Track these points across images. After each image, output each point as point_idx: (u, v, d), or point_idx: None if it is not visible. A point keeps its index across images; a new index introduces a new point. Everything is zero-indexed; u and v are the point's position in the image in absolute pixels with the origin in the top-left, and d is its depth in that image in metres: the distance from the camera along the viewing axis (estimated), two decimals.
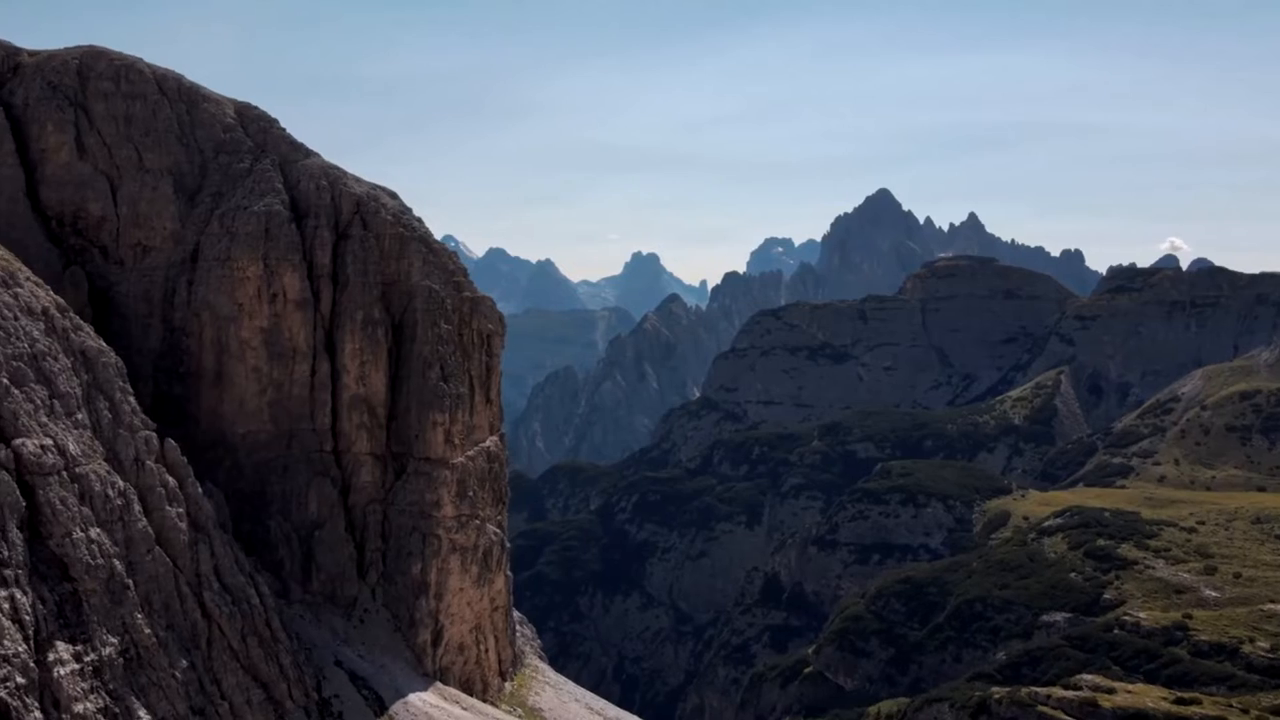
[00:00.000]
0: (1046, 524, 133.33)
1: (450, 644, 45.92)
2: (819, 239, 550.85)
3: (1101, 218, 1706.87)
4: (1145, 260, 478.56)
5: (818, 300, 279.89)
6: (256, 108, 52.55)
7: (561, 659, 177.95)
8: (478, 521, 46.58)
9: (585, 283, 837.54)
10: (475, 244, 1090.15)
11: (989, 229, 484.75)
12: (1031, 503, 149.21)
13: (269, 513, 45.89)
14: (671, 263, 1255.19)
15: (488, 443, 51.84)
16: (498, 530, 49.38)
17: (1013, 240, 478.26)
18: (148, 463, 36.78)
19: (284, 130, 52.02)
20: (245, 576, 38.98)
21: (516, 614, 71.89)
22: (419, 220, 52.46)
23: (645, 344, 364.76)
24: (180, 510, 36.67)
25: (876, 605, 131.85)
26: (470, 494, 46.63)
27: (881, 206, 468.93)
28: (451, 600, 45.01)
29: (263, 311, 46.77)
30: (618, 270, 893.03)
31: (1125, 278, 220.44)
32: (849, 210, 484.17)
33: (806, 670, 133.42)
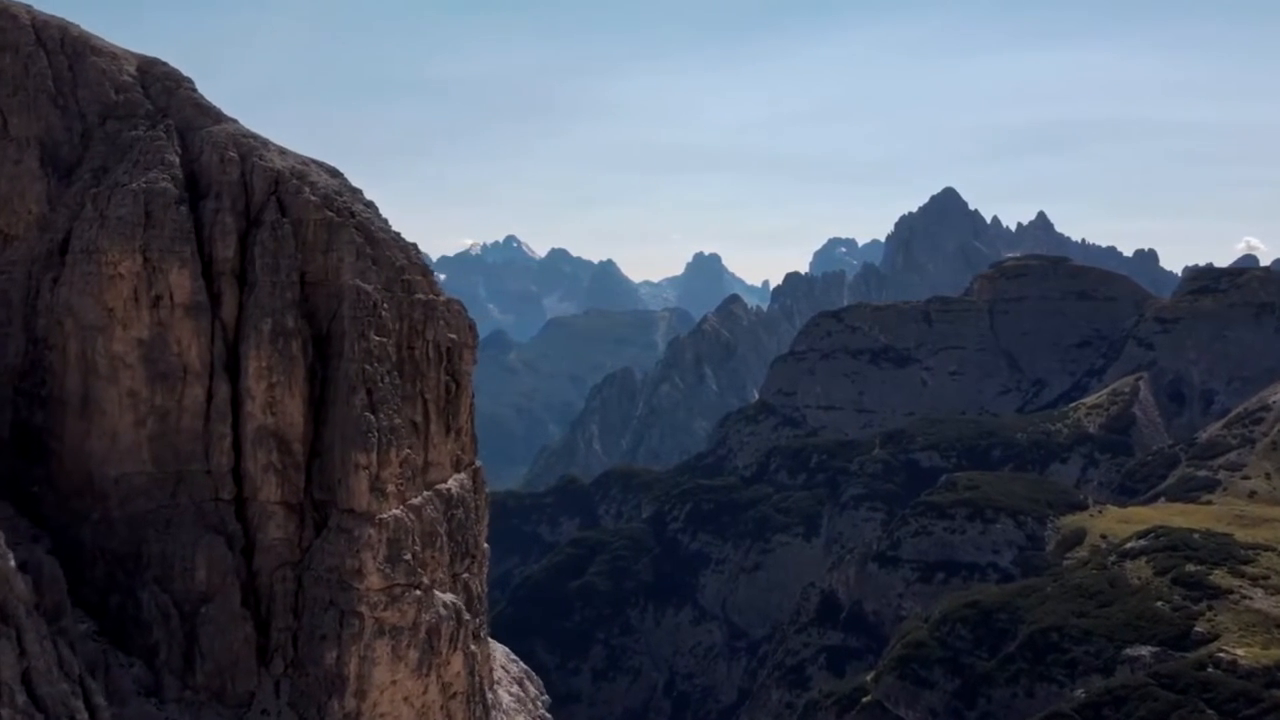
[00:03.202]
0: (1128, 545, 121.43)
1: None
2: (883, 239, 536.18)
3: (1172, 217, 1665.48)
4: (1221, 261, 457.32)
5: (881, 301, 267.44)
6: (165, 64, 41.04)
7: (611, 673, 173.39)
8: (418, 592, 34.66)
9: (647, 283, 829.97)
10: (538, 245, 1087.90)
11: (1058, 229, 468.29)
12: (1110, 519, 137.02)
13: (143, 581, 34.41)
14: (734, 263, 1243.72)
15: (449, 483, 39.99)
16: (453, 600, 37.51)
17: (1083, 240, 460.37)
18: None
19: (195, 91, 40.46)
20: (72, 682, 27.91)
21: (517, 667, 60.44)
22: (367, 205, 40.71)
23: (704, 345, 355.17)
24: None
25: (941, 631, 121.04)
26: (410, 556, 34.77)
27: (947, 205, 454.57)
28: (379, 697, 33.23)
29: (141, 319, 35.16)
30: (679, 271, 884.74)
31: (1209, 278, 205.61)
32: (913, 210, 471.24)
33: (865, 699, 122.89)
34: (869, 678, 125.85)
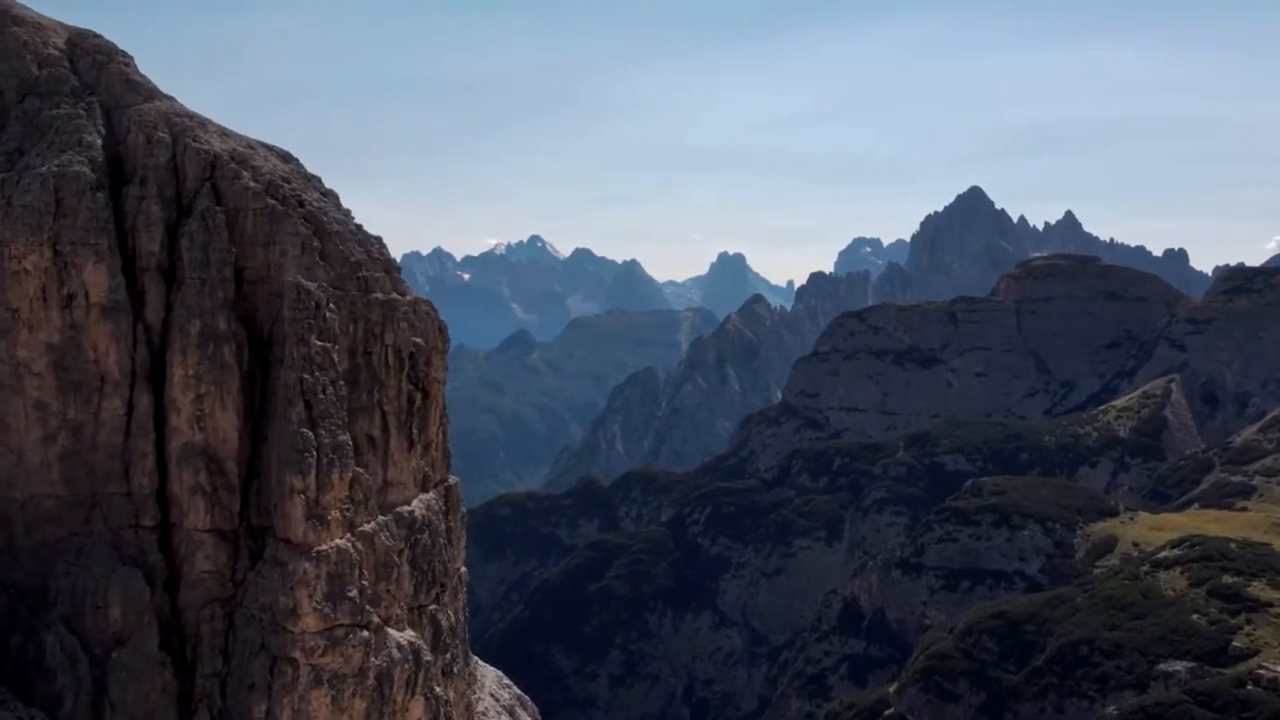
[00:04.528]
0: (1162, 555, 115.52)
1: None
2: (908, 239, 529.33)
3: (1201, 216, 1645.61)
4: (1252, 261, 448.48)
5: (906, 302, 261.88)
6: (98, 36, 36.33)
7: (629, 679, 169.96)
8: (366, 633, 29.91)
9: (671, 283, 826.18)
10: (562, 244, 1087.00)
11: (1086, 228, 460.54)
12: (1141, 526, 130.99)
13: (48, 620, 29.80)
14: (758, 263, 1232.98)
15: (414, 505, 35.25)
16: (412, 639, 32.76)
17: (1111, 239, 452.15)
18: None
19: (128, 66, 35.79)
20: None
21: (510, 694, 55.85)
22: (324, 194, 35.97)
23: (727, 345, 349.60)
24: None
25: (966, 643, 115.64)
26: (356, 593, 30.01)
27: (973, 204, 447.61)
28: None
29: (50, 321, 30.58)
30: (704, 270, 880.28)
31: (1242, 278, 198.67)
32: (939, 209, 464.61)
33: (887, 712, 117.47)
34: (891, 689, 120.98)
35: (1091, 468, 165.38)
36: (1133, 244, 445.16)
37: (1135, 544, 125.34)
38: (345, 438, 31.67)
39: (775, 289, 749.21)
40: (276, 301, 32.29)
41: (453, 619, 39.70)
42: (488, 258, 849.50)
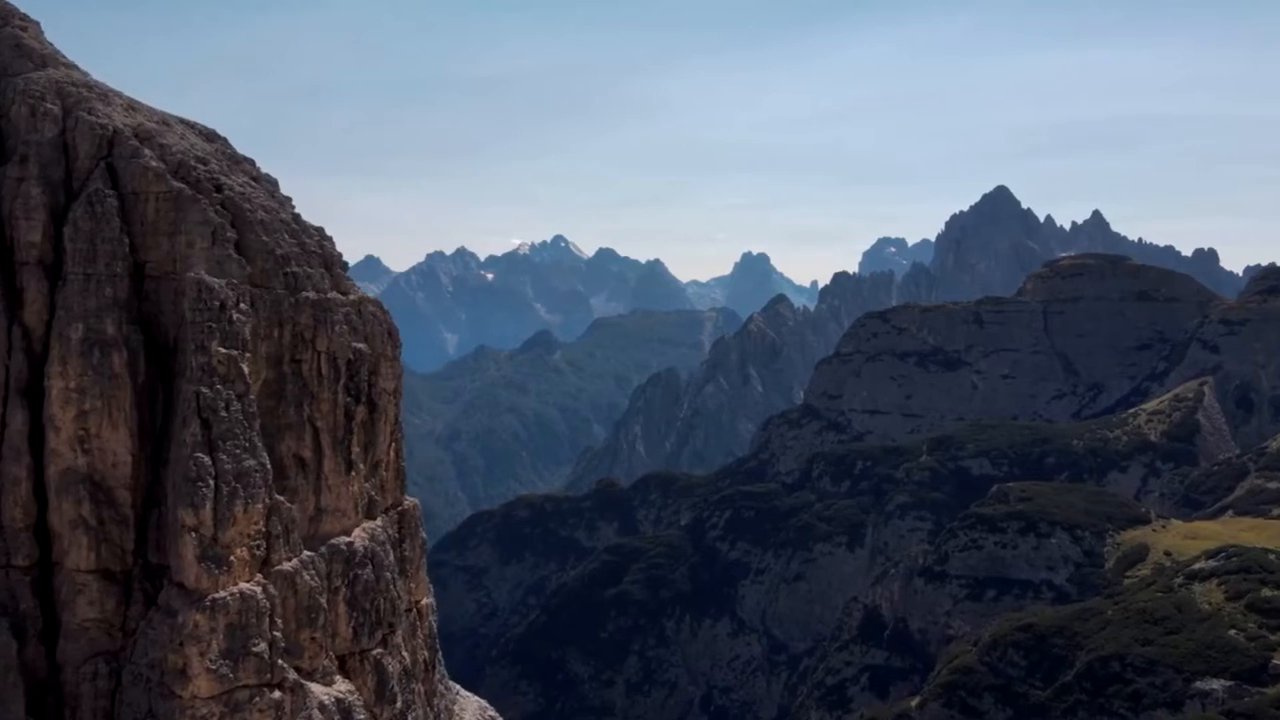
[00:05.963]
0: (1196, 566, 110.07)
1: None
2: (933, 239, 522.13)
3: (1230, 215, 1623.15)
4: None
5: (931, 302, 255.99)
6: None
7: (646, 686, 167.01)
8: (277, 694, 24.80)
9: (694, 283, 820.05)
10: (585, 244, 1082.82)
11: (1114, 228, 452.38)
12: (1174, 535, 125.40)
13: None
14: (782, 263, 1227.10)
15: (354, 535, 30.17)
16: (342, 694, 27.65)
17: (1140, 239, 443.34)
18: None
19: (25, 31, 30.78)
20: None
21: None
22: (253, 179, 30.90)
23: (750, 346, 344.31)
24: None
25: (991, 656, 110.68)
26: (263, 647, 24.94)
27: (999, 204, 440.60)
28: None
29: None
30: (727, 270, 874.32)
31: (1276, 278, 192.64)
32: (965, 209, 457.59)
33: None
34: (913, 703, 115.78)
35: (1121, 472, 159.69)
36: (1161, 244, 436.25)
37: (1168, 553, 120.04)
38: (254, 462, 26.50)
39: (799, 289, 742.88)
40: (183, 301, 27.28)
41: (408, 660, 34.54)
42: (511, 258, 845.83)
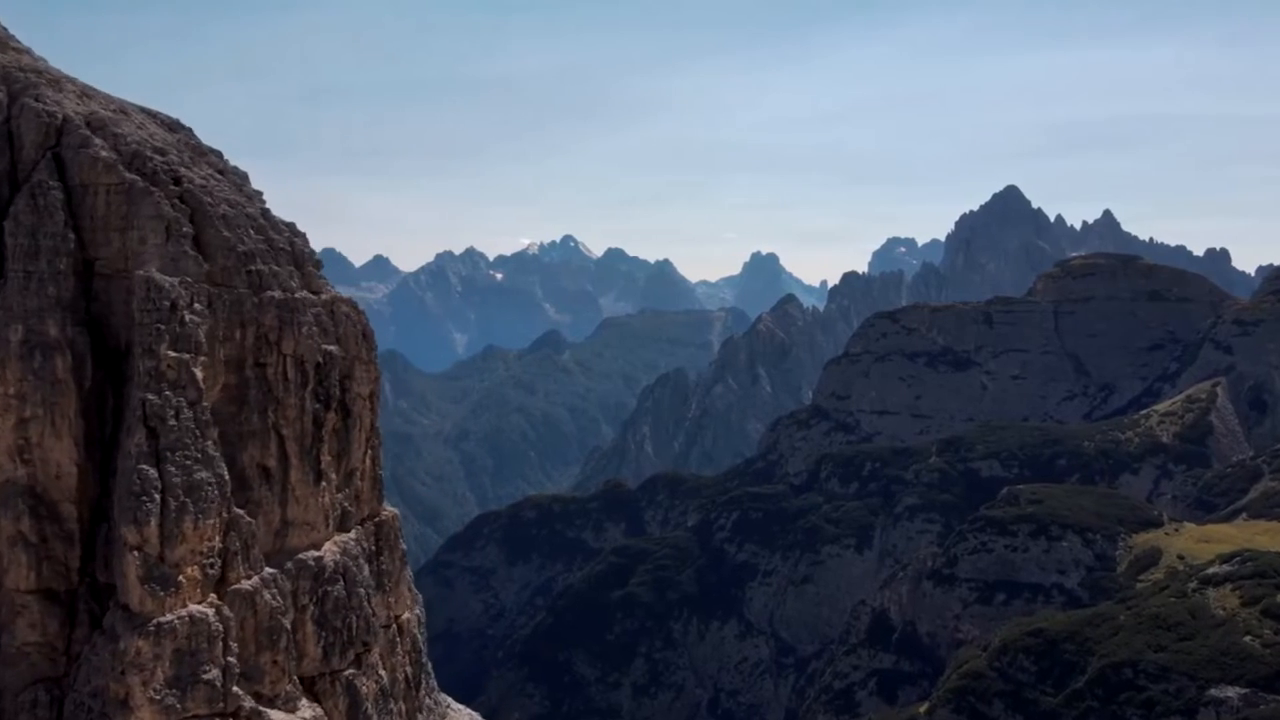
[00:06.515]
0: (1210, 570, 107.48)
1: None
2: (943, 238, 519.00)
3: (1242, 215, 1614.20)
4: None
5: (941, 302, 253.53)
6: None
7: (652, 688, 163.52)
8: None
9: (704, 283, 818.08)
10: (594, 244, 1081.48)
11: (1125, 228, 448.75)
12: (1187, 538, 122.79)
13: None
14: (791, 263, 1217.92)
15: (324, 549, 28.25)
16: (314, 718, 25.69)
17: (1151, 239, 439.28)
18: None
19: None
20: None
21: None
22: (218, 172, 29.00)
23: (759, 346, 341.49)
24: None
25: (1001, 661, 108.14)
26: (215, 674, 23.00)
27: (1009, 204, 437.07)
28: None
29: None
30: (737, 270, 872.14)
31: None
32: (975, 208, 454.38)
33: None
34: (922, 709, 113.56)
35: (1133, 474, 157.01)
36: (1173, 243, 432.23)
37: (1181, 557, 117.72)
38: (207, 474, 24.60)
39: (808, 289, 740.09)
40: (133, 301, 25.39)
41: (385, 680, 32.64)
42: (520, 258, 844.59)
